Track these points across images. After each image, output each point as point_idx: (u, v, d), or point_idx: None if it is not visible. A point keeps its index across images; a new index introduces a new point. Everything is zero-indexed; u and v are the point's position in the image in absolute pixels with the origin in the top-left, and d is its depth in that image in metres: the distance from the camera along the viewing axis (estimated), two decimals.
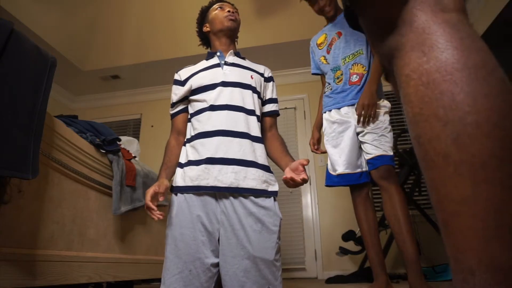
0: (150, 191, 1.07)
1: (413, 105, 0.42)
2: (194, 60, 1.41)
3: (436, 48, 0.40)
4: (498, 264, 0.34)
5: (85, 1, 3.37)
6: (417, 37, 0.42)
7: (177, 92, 1.30)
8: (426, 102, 0.40)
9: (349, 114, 1.81)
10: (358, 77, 1.81)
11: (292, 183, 1.05)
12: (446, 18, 0.41)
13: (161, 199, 1.08)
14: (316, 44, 2.04)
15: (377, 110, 1.73)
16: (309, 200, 3.51)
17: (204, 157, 1.15)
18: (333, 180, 1.85)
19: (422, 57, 0.41)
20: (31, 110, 0.96)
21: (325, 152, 1.96)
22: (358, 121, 1.72)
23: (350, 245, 2.85)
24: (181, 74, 1.33)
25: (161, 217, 1.05)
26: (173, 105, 1.33)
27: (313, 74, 2.11)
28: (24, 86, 0.94)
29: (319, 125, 2.06)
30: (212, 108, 1.20)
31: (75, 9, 3.36)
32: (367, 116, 1.68)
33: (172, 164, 1.23)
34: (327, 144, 1.89)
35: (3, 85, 0.87)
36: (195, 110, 1.26)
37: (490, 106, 0.36)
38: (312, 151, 2.05)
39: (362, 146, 1.78)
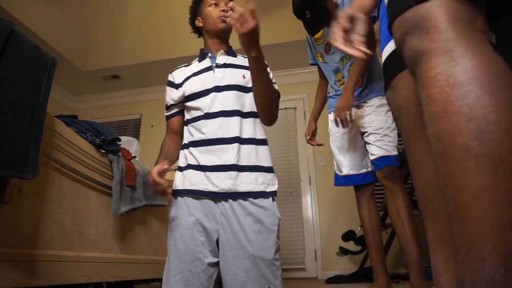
0: (155, 169, 1.07)
1: (437, 104, 0.46)
2: (189, 61, 1.39)
3: (464, 56, 0.45)
4: (510, 253, 0.36)
5: (85, 1, 3.37)
6: (447, 44, 0.47)
7: (172, 95, 1.28)
8: (450, 102, 0.44)
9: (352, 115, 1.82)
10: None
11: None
12: (474, 34, 0.47)
13: (165, 167, 1.07)
14: (314, 37, 2.04)
15: (377, 109, 1.74)
16: (309, 200, 3.51)
17: (201, 164, 1.15)
18: (339, 181, 1.88)
19: (450, 62, 0.45)
20: (31, 110, 0.96)
21: (321, 144, 1.98)
22: (336, 125, 1.73)
23: (350, 245, 2.85)
24: (175, 76, 1.30)
25: (170, 189, 1.07)
26: (168, 107, 1.31)
27: (311, 64, 2.11)
28: (24, 86, 0.94)
29: (315, 117, 2.07)
30: (207, 116, 1.19)
31: (75, 9, 3.37)
32: (342, 119, 1.68)
33: (170, 155, 1.23)
34: (332, 145, 1.92)
35: (3, 85, 0.87)
36: (192, 117, 1.24)
37: (509, 108, 0.41)
38: (307, 142, 2.05)
39: (367, 146, 1.79)
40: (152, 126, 4.14)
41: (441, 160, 0.45)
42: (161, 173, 1.07)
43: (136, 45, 3.74)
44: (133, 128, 4.29)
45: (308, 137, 2.03)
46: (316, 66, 2.10)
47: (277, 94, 1.23)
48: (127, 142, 2.35)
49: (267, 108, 1.20)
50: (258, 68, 1.11)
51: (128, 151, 1.75)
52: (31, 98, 0.96)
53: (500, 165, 0.39)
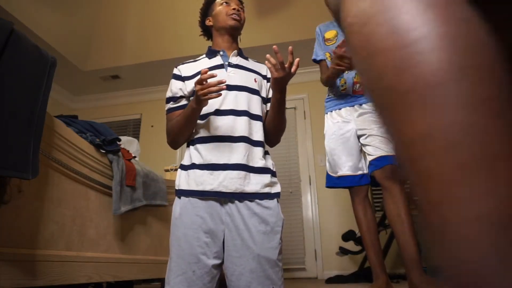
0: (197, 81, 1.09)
1: (363, 40, 0.33)
2: (194, 58, 1.39)
3: None
4: (482, 214, 0.25)
5: (85, 1, 3.37)
6: None
7: (180, 86, 1.26)
8: (376, 32, 0.32)
9: (348, 112, 1.83)
10: (361, 87, 1.82)
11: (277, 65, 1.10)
12: None
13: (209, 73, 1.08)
14: (324, 36, 1.99)
15: (375, 114, 1.74)
16: (309, 200, 3.51)
17: (208, 162, 1.14)
18: (333, 182, 1.87)
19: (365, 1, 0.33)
20: (31, 110, 0.96)
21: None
22: None
23: (350, 245, 2.85)
24: (182, 70, 1.29)
25: (215, 74, 1.08)
26: (175, 99, 1.26)
27: (313, 60, 2.01)
28: (24, 86, 0.94)
29: None
30: (217, 112, 1.19)
31: (75, 9, 3.37)
32: None
33: None
34: (328, 146, 1.91)
35: (3, 85, 0.87)
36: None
37: (439, 23, 0.28)
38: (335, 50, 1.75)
39: (363, 148, 1.79)
40: (152, 126, 4.14)
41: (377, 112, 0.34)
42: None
43: (136, 45, 3.74)
44: (133, 128, 4.29)
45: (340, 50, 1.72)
46: (317, 65, 2.09)
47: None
48: (127, 142, 2.35)
49: (278, 135, 1.30)
50: (279, 102, 1.21)
51: (128, 151, 1.75)
52: (31, 98, 0.96)
53: (440, 93, 0.28)
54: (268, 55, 1.13)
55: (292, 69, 1.11)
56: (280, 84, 1.15)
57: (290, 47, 1.08)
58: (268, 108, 1.32)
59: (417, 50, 0.29)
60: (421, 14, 0.29)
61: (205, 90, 1.06)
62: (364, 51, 0.33)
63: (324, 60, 1.98)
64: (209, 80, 1.09)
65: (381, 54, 0.31)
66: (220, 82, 1.06)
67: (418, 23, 0.29)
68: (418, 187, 0.29)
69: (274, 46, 1.10)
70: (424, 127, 0.28)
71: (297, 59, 1.11)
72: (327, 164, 1.91)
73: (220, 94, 1.10)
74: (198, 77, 1.10)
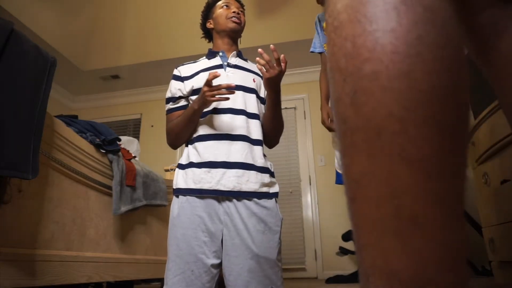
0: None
1: (328, 59, 0.33)
2: (194, 60, 1.40)
3: None
4: (394, 270, 0.25)
5: (85, 1, 3.37)
6: None
7: (181, 87, 1.27)
8: (334, 53, 0.31)
9: None
10: None
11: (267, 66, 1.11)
12: None
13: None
14: (323, 26, 1.95)
15: None
16: (309, 200, 3.51)
17: (206, 160, 1.14)
18: (341, 179, 1.87)
19: None
20: (31, 110, 0.96)
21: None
22: None
23: (350, 245, 2.85)
24: (181, 70, 1.30)
25: (218, 74, 1.09)
26: (174, 100, 1.27)
27: (311, 51, 1.97)
28: (24, 86, 0.94)
29: (327, 98, 1.86)
30: (215, 111, 1.19)
31: (75, 9, 3.37)
32: None
33: None
34: (335, 144, 1.90)
35: (3, 85, 0.87)
36: None
37: (395, 47, 0.26)
38: (328, 127, 1.83)
39: None
40: (152, 126, 4.14)
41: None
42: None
43: (136, 45, 3.74)
44: (133, 128, 4.29)
45: (328, 121, 1.82)
46: (317, 66, 2.07)
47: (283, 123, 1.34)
48: (127, 142, 2.35)
49: (277, 136, 1.31)
50: (275, 103, 1.22)
51: (128, 151, 1.75)
52: (31, 98, 0.96)
53: (375, 139, 0.26)
54: (258, 58, 1.15)
55: (282, 66, 1.12)
56: (273, 83, 1.16)
57: (271, 46, 1.10)
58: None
59: (367, 87, 0.27)
60: (381, 39, 0.27)
61: (214, 92, 1.08)
62: (329, 61, 0.32)
63: (323, 52, 1.92)
64: (217, 82, 1.11)
65: (340, 75, 0.29)
66: (230, 87, 1.09)
67: (376, 52, 0.27)
68: (351, 223, 0.30)
69: (259, 50, 1.12)
70: (359, 171, 0.28)
71: (282, 55, 1.12)
72: (336, 161, 1.91)
73: (228, 98, 1.11)
74: (206, 78, 1.11)
